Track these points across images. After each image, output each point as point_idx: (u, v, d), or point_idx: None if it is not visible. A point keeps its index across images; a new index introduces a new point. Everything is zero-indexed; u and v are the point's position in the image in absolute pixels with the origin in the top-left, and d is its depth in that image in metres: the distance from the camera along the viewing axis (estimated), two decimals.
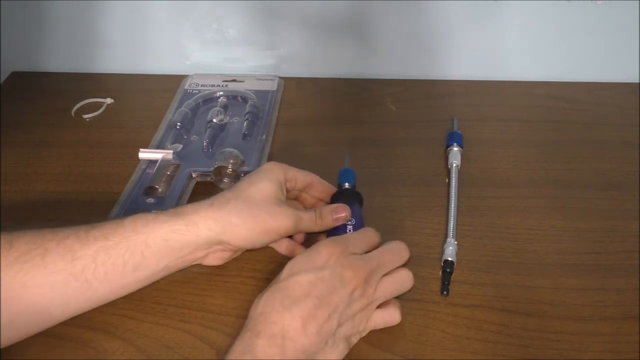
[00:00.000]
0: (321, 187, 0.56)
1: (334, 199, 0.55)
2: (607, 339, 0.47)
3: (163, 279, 0.51)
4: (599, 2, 0.72)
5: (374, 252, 0.47)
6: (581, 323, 0.48)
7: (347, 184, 0.57)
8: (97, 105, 0.75)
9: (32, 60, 0.83)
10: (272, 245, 0.53)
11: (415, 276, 0.48)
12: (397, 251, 0.48)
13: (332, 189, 0.56)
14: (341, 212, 0.52)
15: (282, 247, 0.54)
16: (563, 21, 0.74)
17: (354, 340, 0.45)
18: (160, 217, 0.47)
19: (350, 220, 0.52)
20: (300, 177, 0.54)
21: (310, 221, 0.51)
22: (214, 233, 0.48)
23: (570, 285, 0.51)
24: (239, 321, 0.49)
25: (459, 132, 0.66)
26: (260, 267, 0.53)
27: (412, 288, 0.48)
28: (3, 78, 0.82)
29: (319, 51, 0.78)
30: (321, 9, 0.75)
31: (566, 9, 0.73)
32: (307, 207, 0.56)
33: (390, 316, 0.46)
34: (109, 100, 0.76)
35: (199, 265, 0.53)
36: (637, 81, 0.77)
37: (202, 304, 0.50)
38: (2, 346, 0.44)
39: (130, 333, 0.48)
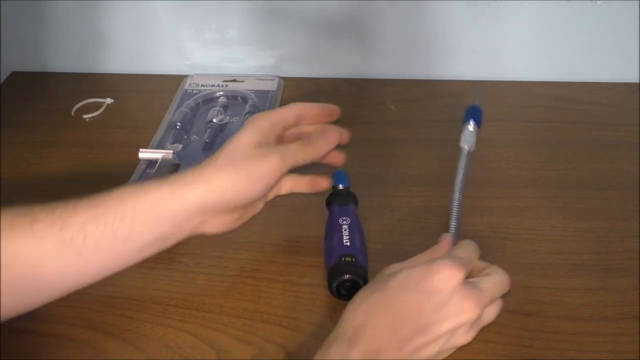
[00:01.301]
0: (314, 111, 0.52)
1: (329, 200, 0.55)
2: (607, 339, 0.47)
3: (163, 279, 0.51)
4: (599, 2, 0.72)
5: (488, 282, 0.44)
6: (581, 323, 0.48)
7: (340, 185, 0.57)
8: (97, 105, 0.75)
9: (32, 60, 0.83)
10: (278, 192, 0.53)
11: None
12: (506, 284, 0.45)
13: (327, 108, 0.53)
14: (331, 135, 0.49)
15: (287, 186, 0.52)
16: (563, 21, 0.74)
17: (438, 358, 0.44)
18: (147, 186, 0.46)
19: (345, 220, 0.52)
20: (286, 113, 0.51)
21: (298, 150, 0.48)
22: (200, 194, 0.46)
23: (570, 285, 0.51)
24: (239, 321, 0.49)
25: (480, 107, 0.56)
26: (260, 267, 0.53)
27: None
28: (3, 78, 0.82)
29: (319, 51, 0.78)
30: (321, 9, 0.75)
31: (566, 9, 0.73)
32: None
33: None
34: (109, 100, 0.76)
35: (199, 265, 0.53)
36: (637, 81, 0.77)
37: (202, 304, 0.50)
38: (2, 318, 0.43)
39: (130, 333, 0.48)
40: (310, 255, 0.54)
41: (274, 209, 0.60)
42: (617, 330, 0.47)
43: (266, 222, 0.58)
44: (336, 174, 0.58)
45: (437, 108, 0.74)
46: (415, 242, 0.55)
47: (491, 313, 0.45)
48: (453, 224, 0.51)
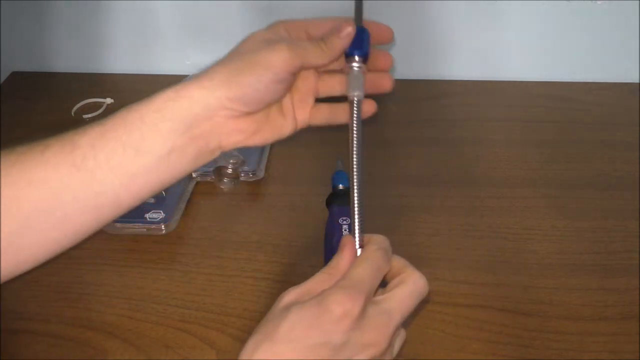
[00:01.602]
0: (322, 23, 0.48)
1: (329, 200, 0.55)
2: (607, 339, 0.47)
3: (163, 279, 0.51)
4: (598, 2, 0.72)
5: (396, 298, 0.40)
6: (581, 323, 0.48)
7: (340, 185, 0.57)
8: (97, 105, 0.75)
9: (32, 60, 0.83)
10: (310, 119, 0.48)
11: None
12: (420, 292, 0.41)
13: (334, 21, 0.48)
14: (345, 28, 0.45)
15: (323, 112, 0.49)
16: (563, 21, 0.74)
17: None
18: (154, 95, 0.43)
19: (345, 220, 0.52)
20: (308, 20, 0.48)
21: (310, 46, 0.44)
22: (207, 90, 0.42)
23: (570, 285, 0.51)
24: (239, 321, 0.49)
25: (365, 28, 0.50)
26: (260, 267, 0.53)
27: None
28: (3, 78, 0.82)
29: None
30: (321, 9, 0.75)
31: (566, 9, 0.73)
32: None
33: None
34: (108, 100, 0.76)
35: (199, 265, 0.53)
36: (637, 81, 0.77)
37: (202, 304, 0.50)
38: (21, 266, 0.41)
39: (130, 333, 0.48)
40: (310, 255, 0.54)
41: (273, 209, 0.60)
42: (617, 330, 0.47)
43: (266, 222, 0.58)
44: (336, 174, 0.58)
45: (437, 108, 0.74)
46: (415, 242, 0.55)
47: (395, 345, 0.40)
48: (357, 216, 0.44)
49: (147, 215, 0.57)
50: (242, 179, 0.62)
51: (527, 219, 0.58)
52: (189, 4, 0.76)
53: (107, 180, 0.41)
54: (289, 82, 0.44)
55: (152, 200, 0.58)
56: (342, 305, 0.36)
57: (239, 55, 0.43)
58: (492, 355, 0.46)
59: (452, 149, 0.67)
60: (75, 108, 0.75)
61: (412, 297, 0.40)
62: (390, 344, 0.38)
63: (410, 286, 0.41)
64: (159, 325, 0.48)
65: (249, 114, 0.44)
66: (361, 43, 0.46)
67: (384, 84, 0.49)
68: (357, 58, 0.45)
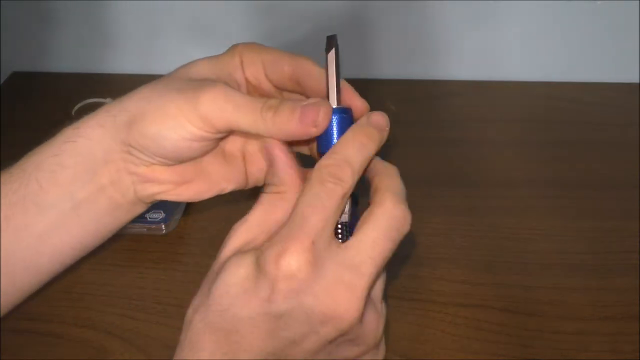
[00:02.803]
0: (285, 66, 0.37)
1: None
2: (607, 339, 0.47)
3: (163, 279, 0.51)
4: (598, 2, 0.72)
5: (363, 244, 0.31)
6: (581, 323, 0.48)
7: None
8: (98, 106, 0.74)
9: (32, 60, 0.83)
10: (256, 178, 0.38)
11: (415, 276, 0.48)
12: (397, 232, 0.32)
13: (305, 67, 0.37)
14: (313, 113, 0.32)
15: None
16: (563, 21, 0.74)
17: None
18: (58, 133, 0.36)
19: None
20: (271, 58, 0.36)
21: (251, 111, 0.32)
22: (106, 131, 0.34)
23: (570, 285, 0.51)
24: None
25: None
26: None
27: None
28: (3, 78, 0.82)
29: (319, 51, 0.78)
30: (321, 9, 0.75)
31: (566, 8, 0.73)
32: None
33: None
34: (109, 101, 0.75)
35: (199, 265, 0.53)
36: (637, 81, 0.77)
37: None
38: None
39: (130, 333, 0.48)
40: None
41: None
42: (617, 330, 0.47)
43: None
44: None
45: (437, 108, 0.74)
46: (415, 242, 0.55)
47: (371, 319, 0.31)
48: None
49: (147, 215, 0.57)
50: None
51: (527, 219, 0.58)
52: (190, 3, 0.76)
53: (12, 244, 0.35)
54: (215, 141, 0.35)
55: None
56: (278, 264, 0.28)
57: (161, 90, 0.34)
58: (492, 355, 0.46)
59: (452, 149, 0.67)
60: (75, 108, 0.75)
61: (387, 238, 0.31)
62: (362, 315, 0.29)
63: (381, 222, 0.31)
64: (159, 325, 0.48)
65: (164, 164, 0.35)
66: (340, 136, 0.33)
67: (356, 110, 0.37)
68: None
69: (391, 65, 0.79)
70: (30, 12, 0.79)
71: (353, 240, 0.30)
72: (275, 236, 0.29)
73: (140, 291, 0.51)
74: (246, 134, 0.35)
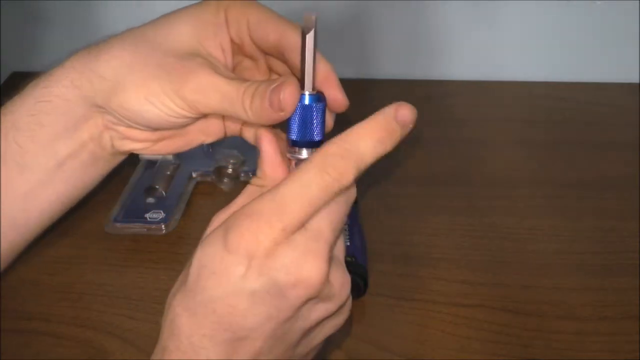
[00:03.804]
0: (272, 29, 0.35)
1: None
2: (606, 339, 0.47)
3: (163, 279, 0.51)
4: (598, 2, 0.72)
5: (323, 220, 0.29)
6: (581, 323, 0.48)
7: None
8: None
9: (32, 60, 0.83)
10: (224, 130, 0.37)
11: (415, 276, 0.48)
12: (348, 197, 0.30)
13: (286, 32, 0.35)
14: (277, 97, 0.30)
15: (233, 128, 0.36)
16: (563, 21, 0.74)
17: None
18: (28, 87, 0.35)
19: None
20: (256, 19, 0.34)
21: (234, 98, 0.31)
22: (83, 93, 0.34)
23: (570, 285, 0.51)
24: None
25: None
26: None
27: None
28: (3, 78, 0.82)
29: (319, 51, 0.78)
30: (321, 9, 0.75)
31: (566, 9, 0.73)
32: None
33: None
34: None
35: None
36: (637, 81, 0.77)
37: None
38: None
39: (130, 333, 0.48)
40: None
41: None
42: (616, 330, 0.47)
43: None
44: None
45: (437, 108, 0.74)
46: (415, 242, 0.55)
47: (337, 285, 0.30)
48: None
49: (147, 215, 0.57)
50: (242, 179, 0.62)
51: (527, 219, 0.58)
52: (188, 3, 0.76)
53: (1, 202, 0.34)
54: (195, 118, 0.34)
55: (152, 200, 0.59)
56: (244, 240, 0.27)
57: (140, 57, 0.33)
58: (492, 355, 0.46)
59: (452, 149, 0.67)
60: None
61: (339, 203, 0.30)
62: (328, 274, 0.28)
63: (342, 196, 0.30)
64: (159, 325, 0.48)
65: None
66: (308, 121, 0.31)
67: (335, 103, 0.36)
68: (304, 151, 0.32)
69: (391, 65, 0.79)
70: (31, 12, 0.79)
71: (320, 214, 0.29)
72: (246, 208, 0.28)
73: (140, 291, 0.51)
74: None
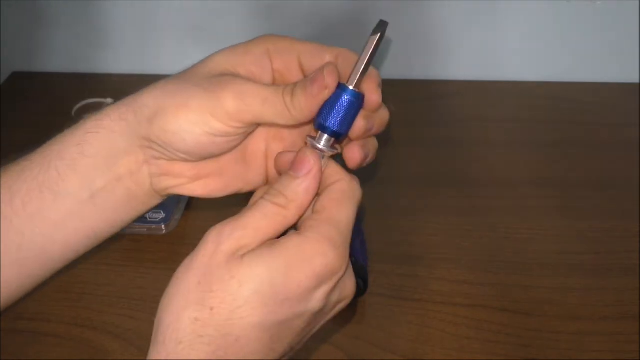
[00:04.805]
0: (321, 54, 0.36)
1: None
2: (606, 339, 0.47)
3: (163, 279, 0.51)
4: (598, 2, 0.72)
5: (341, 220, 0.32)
6: (581, 323, 0.48)
7: None
8: (98, 106, 0.75)
9: (32, 60, 0.83)
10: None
11: (415, 276, 0.48)
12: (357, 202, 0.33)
13: (337, 54, 0.36)
14: (320, 78, 0.32)
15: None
16: (563, 21, 0.74)
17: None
18: (82, 120, 0.36)
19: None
20: (309, 49, 0.35)
21: (275, 101, 0.32)
22: (128, 125, 0.34)
23: (570, 285, 0.51)
24: None
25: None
26: None
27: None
28: (3, 78, 0.82)
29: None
30: (321, 9, 0.75)
31: (566, 9, 0.73)
32: None
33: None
34: (109, 101, 0.76)
35: None
36: (637, 81, 0.77)
37: None
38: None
39: (130, 333, 0.48)
40: None
41: None
42: (616, 330, 0.47)
43: None
44: None
45: (437, 108, 0.74)
46: (415, 242, 0.55)
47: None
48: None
49: (147, 215, 0.57)
50: None
51: (527, 219, 0.58)
52: (189, 3, 0.76)
53: (27, 230, 0.35)
54: (240, 136, 0.34)
55: None
56: (332, 269, 0.30)
57: (179, 84, 0.34)
58: (492, 355, 0.46)
59: (452, 149, 0.67)
60: (75, 108, 0.75)
61: (351, 209, 0.33)
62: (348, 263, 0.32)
63: (350, 202, 0.33)
64: None
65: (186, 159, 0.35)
66: (341, 111, 0.32)
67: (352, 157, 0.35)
68: (325, 136, 0.32)
69: (391, 65, 0.79)
70: (31, 13, 0.79)
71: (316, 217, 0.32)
72: (325, 241, 0.30)
73: (140, 291, 0.51)
74: (271, 125, 0.35)
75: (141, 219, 0.56)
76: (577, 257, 0.54)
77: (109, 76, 0.82)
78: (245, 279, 0.29)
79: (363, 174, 0.62)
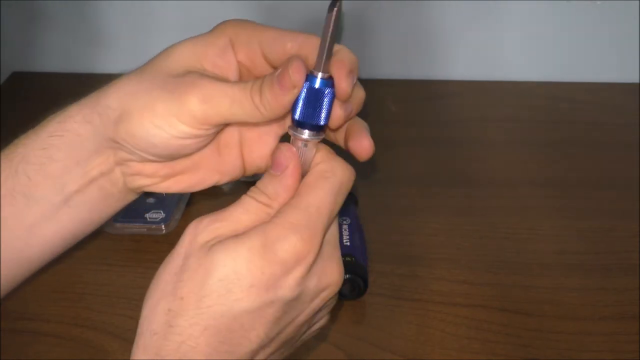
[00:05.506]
0: (284, 42, 0.34)
1: None
2: (606, 339, 0.47)
3: None
4: (598, 2, 0.72)
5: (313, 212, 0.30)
6: (581, 323, 0.48)
7: None
8: None
9: (32, 60, 0.83)
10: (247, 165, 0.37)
11: (415, 276, 0.48)
12: (340, 184, 0.32)
13: (300, 42, 0.34)
14: (286, 76, 0.30)
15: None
16: (563, 21, 0.74)
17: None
18: (43, 122, 0.36)
19: (345, 220, 0.52)
20: (270, 36, 0.34)
21: (243, 100, 0.31)
22: (94, 127, 0.33)
23: (570, 285, 0.51)
24: None
25: None
26: None
27: None
28: (3, 78, 0.82)
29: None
30: (321, 9, 0.75)
31: (566, 9, 0.73)
32: None
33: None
34: None
35: None
36: (637, 81, 0.77)
37: None
38: None
39: (131, 333, 0.48)
40: None
41: None
42: (616, 330, 0.47)
43: None
44: None
45: (437, 108, 0.74)
46: (415, 242, 0.55)
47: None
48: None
49: (147, 215, 0.57)
50: (242, 179, 0.61)
51: (527, 219, 0.58)
52: (188, 3, 0.76)
53: (2, 233, 0.34)
54: (210, 136, 0.33)
55: (152, 200, 0.59)
56: (295, 253, 0.29)
57: (143, 84, 0.33)
58: (492, 355, 0.46)
59: (452, 149, 0.67)
60: None
61: (331, 193, 0.31)
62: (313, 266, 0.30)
63: (335, 187, 0.32)
64: None
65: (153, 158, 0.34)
66: (315, 104, 0.31)
67: (360, 149, 0.35)
68: (306, 132, 0.31)
69: (391, 65, 0.79)
70: (31, 13, 0.79)
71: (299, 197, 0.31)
72: (287, 226, 0.29)
73: (140, 291, 0.50)
74: (242, 125, 0.34)
75: (141, 219, 0.57)
76: (577, 257, 0.54)
77: (109, 76, 0.82)
78: (211, 267, 0.29)
79: (363, 174, 0.62)
